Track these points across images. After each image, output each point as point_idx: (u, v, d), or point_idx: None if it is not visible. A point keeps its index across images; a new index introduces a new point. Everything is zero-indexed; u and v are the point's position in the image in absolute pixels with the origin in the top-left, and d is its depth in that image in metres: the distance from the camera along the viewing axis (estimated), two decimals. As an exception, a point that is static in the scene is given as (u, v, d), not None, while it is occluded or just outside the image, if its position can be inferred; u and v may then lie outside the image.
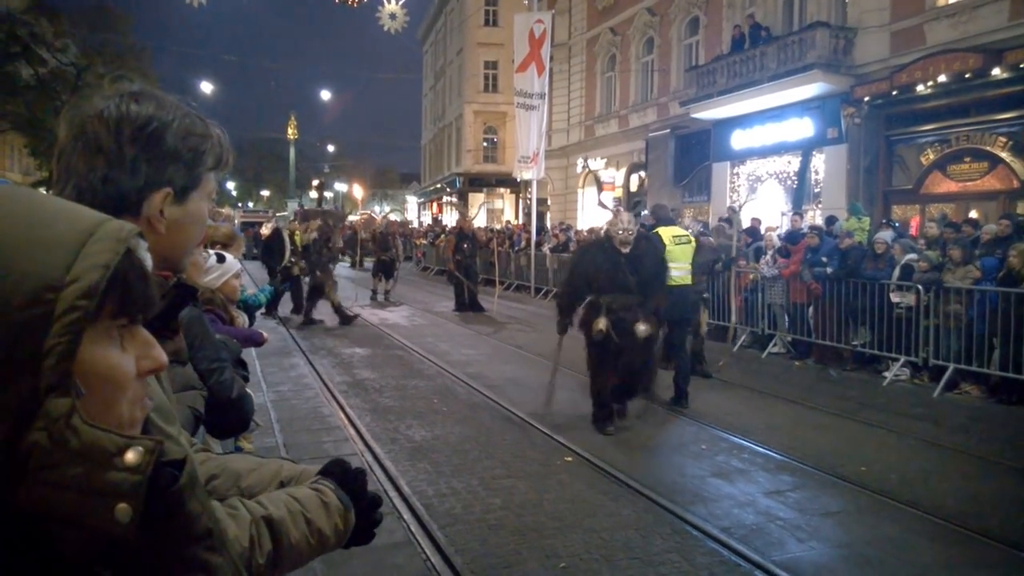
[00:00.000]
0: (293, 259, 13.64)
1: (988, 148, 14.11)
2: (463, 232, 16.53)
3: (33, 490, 0.62)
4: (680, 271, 7.76)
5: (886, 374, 9.25)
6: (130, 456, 0.65)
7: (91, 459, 0.63)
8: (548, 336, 12.26)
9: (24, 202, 0.68)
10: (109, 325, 0.68)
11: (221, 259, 3.30)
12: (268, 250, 14.21)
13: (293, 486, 1.18)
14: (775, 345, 10.93)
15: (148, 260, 0.74)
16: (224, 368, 2.04)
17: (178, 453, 0.76)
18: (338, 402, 7.55)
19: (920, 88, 14.34)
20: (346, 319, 13.11)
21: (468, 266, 15.63)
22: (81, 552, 0.66)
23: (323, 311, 13.30)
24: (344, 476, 1.20)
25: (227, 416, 2.11)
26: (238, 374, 2.33)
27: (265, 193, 77.46)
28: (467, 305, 15.25)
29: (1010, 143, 13.68)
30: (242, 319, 3.87)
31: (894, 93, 14.94)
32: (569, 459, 5.89)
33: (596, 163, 27.84)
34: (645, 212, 15.25)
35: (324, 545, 1.13)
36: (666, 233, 7.89)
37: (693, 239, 8.18)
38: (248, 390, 2.31)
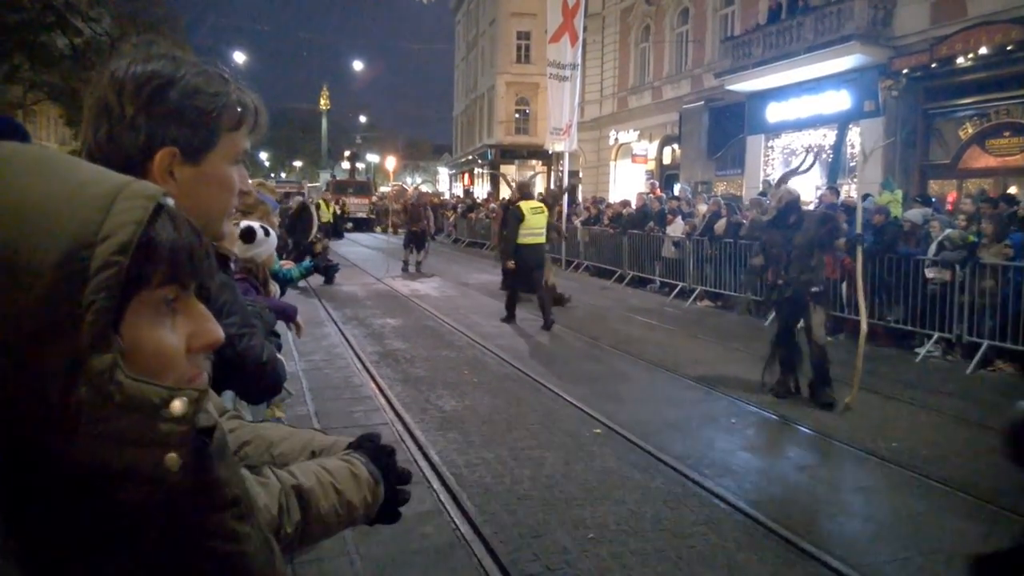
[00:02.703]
0: (319, 235, 13.46)
1: (1028, 123, 13.77)
2: (510, 207, 14.56)
3: (86, 446, 0.62)
4: (535, 233, 10.45)
5: (919, 350, 9.15)
6: (176, 405, 0.65)
7: (138, 411, 0.63)
8: (578, 309, 12.33)
9: (51, 164, 0.66)
10: (158, 298, 0.66)
11: (267, 233, 3.35)
12: (293, 225, 13.69)
13: (324, 457, 1.19)
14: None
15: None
16: (254, 333, 2.06)
17: (207, 421, 0.74)
18: (369, 372, 7.65)
19: (960, 60, 14.00)
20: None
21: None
22: (137, 507, 0.66)
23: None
24: (375, 450, 1.21)
25: (259, 380, 2.13)
26: (271, 342, 2.37)
27: (297, 164, 78.00)
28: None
29: (1051, 118, 13.34)
30: (275, 290, 3.92)
31: (933, 65, 14.60)
32: (598, 431, 5.94)
33: (629, 135, 27.60)
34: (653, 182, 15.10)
35: (353, 517, 1.14)
36: (526, 205, 10.57)
37: (545, 208, 10.96)
38: (280, 356, 2.34)
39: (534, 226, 10.49)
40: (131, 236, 0.63)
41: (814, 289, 6.87)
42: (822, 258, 6.97)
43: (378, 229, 32.44)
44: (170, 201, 0.69)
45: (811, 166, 7.34)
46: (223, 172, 1.11)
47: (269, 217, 4.42)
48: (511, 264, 10.38)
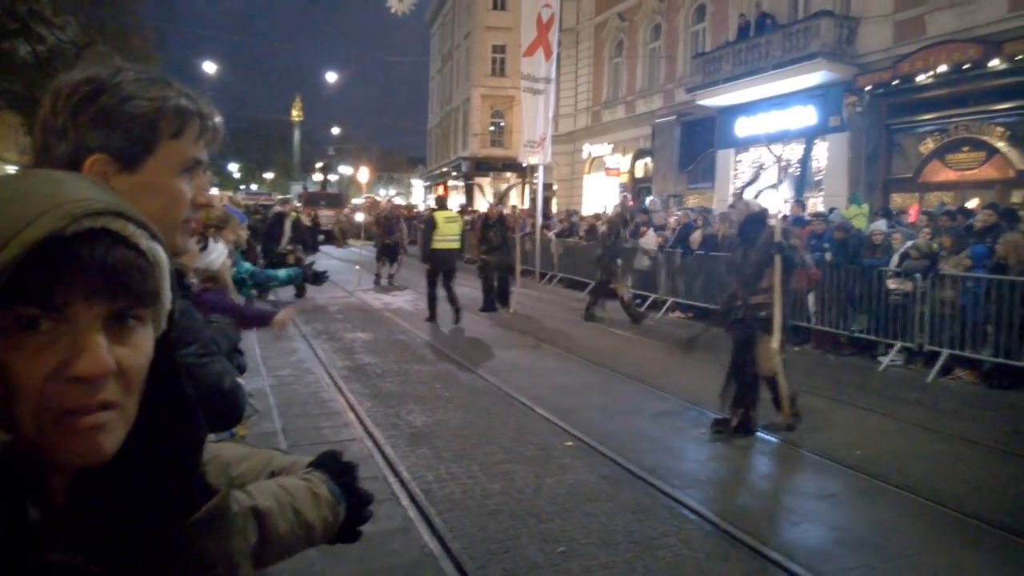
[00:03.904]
0: (290, 246, 13.37)
1: (985, 138, 14.18)
2: (488, 219, 14.52)
3: None
4: (450, 240, 11.90)
5: (882, 359, 9.33)
6: None
7: None
8: (551, 321, 12.39)
9: (18, 183, 0.67)
10: (19, 314, 0.64)
11: (215, 240, 3.34)
12: (267, 234, 13.73)
13: (284, 476, 1.15)
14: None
15: (143, 241, 0.70)
16: (214, 360, 2.00)
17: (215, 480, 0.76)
18: (338, 387, 7.62)
19: (921, 78, 14.37)
20: (636, 315, 12.68)
21: (497, 259, 13.58)
22: None
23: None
24: (336, 469, 1.18)
25: (219, 410, 2.05)
26: (234, 362, 2.33)
27: (269, 176, 77.45)
28: (490, 304, 13.36)
29: (1007, 133, 13.74)
30: (240, 299, 3.89)
31: (895, 82, 14.97)
32: (570, 444, 5.97)
33: (602, 148, 27.81)
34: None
35: (312, 538, 1.11)
36: (440, 215, 11.99)
37: (459, 217, 12.46)
38: (240, 380, 2.28)
39: (448, 233, 11.88)
40: (14, 255, 0.62)
41: (763, 315, 6.24)
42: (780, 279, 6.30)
43: (349, 242, 32.32)
44: (105, 219, 0.67)
45: (760, 179, 7.06)
46: (166, 182, 1.06)
47: (238, 231, 4.40)
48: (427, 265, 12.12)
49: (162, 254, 0.73)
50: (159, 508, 0.75)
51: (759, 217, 6.55)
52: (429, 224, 12.04)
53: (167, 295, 0.75)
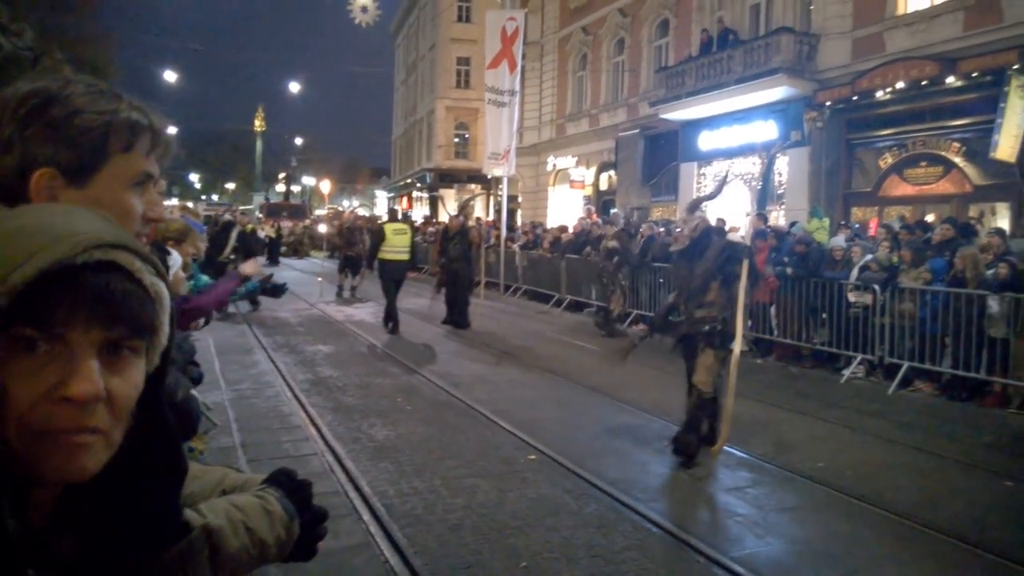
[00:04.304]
0: (233, 256, 13.18)
1: (943, 153, 14.50)
2: (448, 231, 13.64)
3: None
4: (399, 251, 12.20)
5: (843, 372, 9.44)
6: None
7: None
8: (515, 332, 12.35)
9: (27, 217, 0.71)
10: (19, 334, 0.67)
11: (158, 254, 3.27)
12: (212, 242, 13.64)
13: (237, 494, 1.14)
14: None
15: (146, 276, 0.75)
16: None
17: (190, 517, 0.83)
18: (299, 401, 7.48)
19: (879, 94, 14.68)
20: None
21: (456, 271, 12.83)
22: None
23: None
24: (290, 485, 1.16)
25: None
26: (189, 374, 2.29)
27: (230, 186, 76.48)
28: (451, 319, 12.83)
29: (963, 148, 14.06)
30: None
31: (854, 98, 15.27)
32: (533, 457, 5.92)
33: (567, 161, 27.94)
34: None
35: (265, 555, 1.09)
36: (389, 227, 12.35)
37: (408, 229, 12.67)
38: (195, 393, 2.25)
39: (396, 245, 12.23)
40: (23, 279, 0.66)
41: (706, 328, 6.04)
42: (722, 292, 6.14)
43: (312, 253, 32.08)
44: (113, 253, 0.71)
45: (719, 193, 7.00)
46: (117, 197, 1.05)
47: (198, 244, 4.31)
48: (373, 270, 12.70)
49: (164, 291, 0.78)
50: (135, 539, 0.78)
51: (711, 230, 6.48)
52: (378, 235, 12.42)
53: (165, 331, 0.79)
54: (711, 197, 7.40)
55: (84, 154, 1.01)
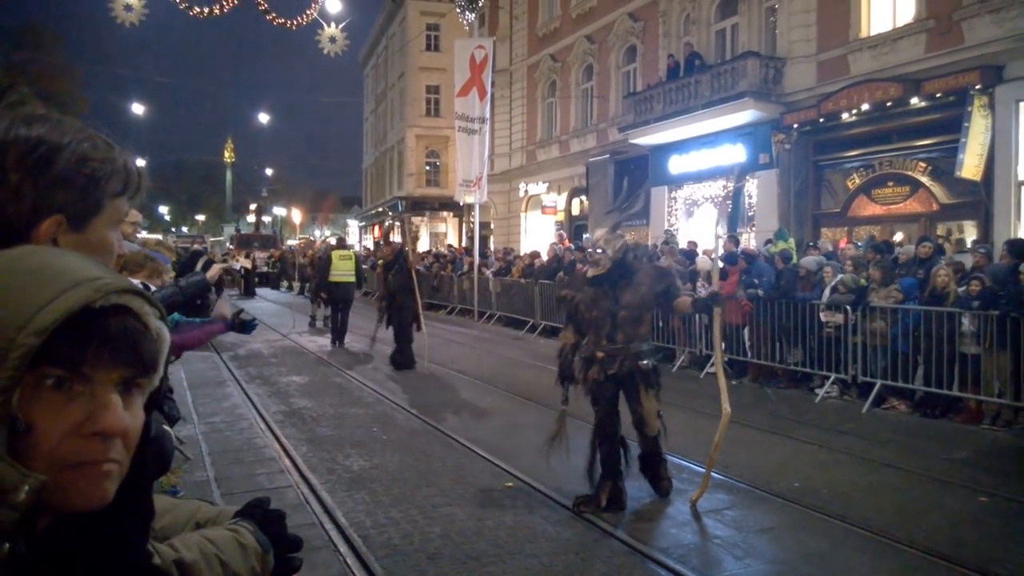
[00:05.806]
0: (211, 289, 13.08)
1: (909, 173, 14.74)
2: (387, 261, 12.16)
3: None
4: (345, 274, 14.08)
5: (818, 391, 9.50)
6: (22, 492, 0.69)
7: None
8: (487, 360, 12.30)
9: (38, 258, 0.76)
10: (48, 374, 0.71)
11: (146, 287, 3.23)
12: (179, 271, 13.50)
13: (210, 527, 1.14)
14: (712, 365, 11.12)
15: (152, 320, 0.80)
16: None
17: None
18: (273, 433, 7.38)
19: (845, 116, 14.93)
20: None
21: (399, 306, 11.48)
22: None
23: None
24: (263, 517, 1.16)
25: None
26: (167, 411, 2.25)
27: (201, 217, 75.88)
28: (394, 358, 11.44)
29: (929, 168, 14.31)
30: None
31: (821, 120, 15.51)
32: (509, 484, 5.88)
33: (538, 187, 28.10)
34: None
35: None
36: (336, 253, 14.21)
37: (353, 255, 14.58)
38: (167, 428, 2.21)
39: (342, 269, 14.07)
40: (52, 322, 0.70)
41: (644, 363, 5.45)
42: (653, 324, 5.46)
43: (284, 285, 31.86)
44: (130, 299, 0.78)
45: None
46: (105, 237, 1.11)
47: (161, 275, 4.27)
48: (323, 295, 14.69)
49: (166, 333, 0.83)
50: None
51: (637, 253, 5.85)
52: (325, 261, 14.39)
53: (161, 371, 0.84)
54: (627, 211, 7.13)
55: (90, 201, 1.06)
